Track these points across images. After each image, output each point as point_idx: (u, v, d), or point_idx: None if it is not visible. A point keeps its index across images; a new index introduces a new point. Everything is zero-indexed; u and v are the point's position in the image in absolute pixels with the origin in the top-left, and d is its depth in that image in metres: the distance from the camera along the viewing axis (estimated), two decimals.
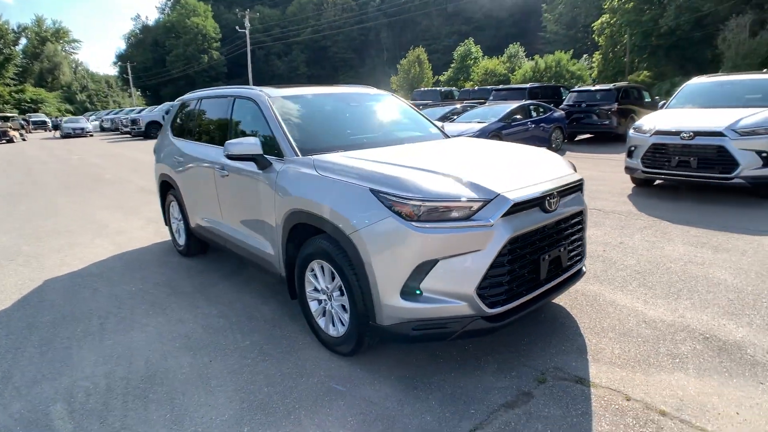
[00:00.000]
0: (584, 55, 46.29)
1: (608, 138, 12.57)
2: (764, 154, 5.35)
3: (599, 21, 44.75)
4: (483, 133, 9.38)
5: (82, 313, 3.56)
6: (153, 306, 3.64)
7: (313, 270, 2.82)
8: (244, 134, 3.60)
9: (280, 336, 3.06)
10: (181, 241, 4.82)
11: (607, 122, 12.12)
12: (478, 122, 10.33)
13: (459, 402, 2.31)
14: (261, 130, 3.41)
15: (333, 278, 2.68)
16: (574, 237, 2.79)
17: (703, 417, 2.12)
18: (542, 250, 2.52)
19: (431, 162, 2.71)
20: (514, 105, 10.83)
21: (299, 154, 2.99)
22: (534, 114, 11.21)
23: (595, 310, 3.18)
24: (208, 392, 2.49)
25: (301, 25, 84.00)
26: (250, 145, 3.02)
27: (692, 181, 5.95)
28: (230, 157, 3.12)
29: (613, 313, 3.14)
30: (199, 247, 4.73)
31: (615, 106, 12.08)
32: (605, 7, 44.19)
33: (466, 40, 50.52)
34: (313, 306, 2.91)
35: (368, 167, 2.57)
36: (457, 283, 2.26)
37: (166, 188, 4.92)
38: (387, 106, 4.07)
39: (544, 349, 2.74)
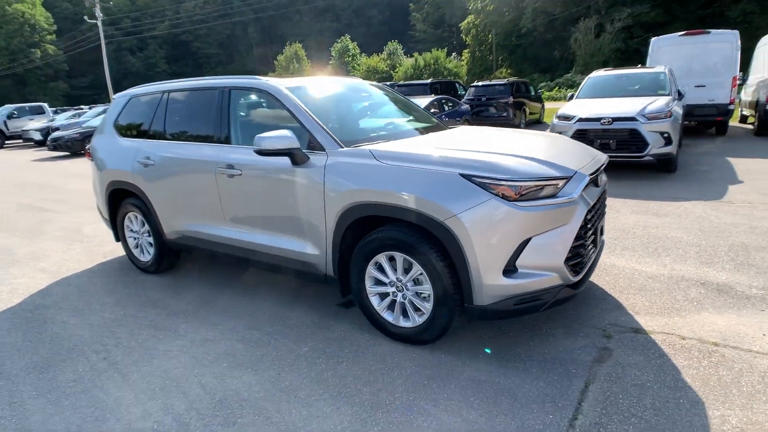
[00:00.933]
0: (453, 53, 50.32)
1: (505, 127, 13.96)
2: (665, 135, 6.55)
3: (466, 21, 48.97)
4: None
5: (68, 351, 3.01)
6: (158, 330, 3.22)
7: (377, 264, 2.80)
8: (254, 129, 3.36)
9: (335, 338, 2.97)
10: (146, 256, 4.27)
11: (504, 114, 13.46)
12: None
13: (556, 365, 2.53)
14: (279, 122, 3.24)
15: (406, 269, 2.70)
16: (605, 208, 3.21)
17: (744, 342, 2.64)
18: (596, 220, 2.87)
19: (489, 146, 2.88)
20: (429, 99, 11.46)
21: (342, 145, 2.93)
22: (446, 108, 11.98)
23: (606, 273, 3.67)
24: (305, 404, 2.35)
25: (157, 18, 76.90)
26: (287, 138, 2.86)
27: (612, 160, 7.01)
28: (262, 152, 2.92)
29: (620, 273, 3.66)
30: (173, 260, 4.26)
31: (511, 99, 13.48)
32: (470, 8, 48.48)
33: (342, 37, 51.29)
34: (375, 301, 2.88)
35: (444, 153, 2.65)
36: (549, 257, 2.47)
37: (120, 198, 4.31)
38: (387, 97, 4.12)
39: (589, 311, 3.10)
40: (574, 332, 2.86)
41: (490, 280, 2.43)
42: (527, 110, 14.27)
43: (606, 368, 2.48)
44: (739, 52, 9.90)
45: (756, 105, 10.04)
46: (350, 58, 48.56)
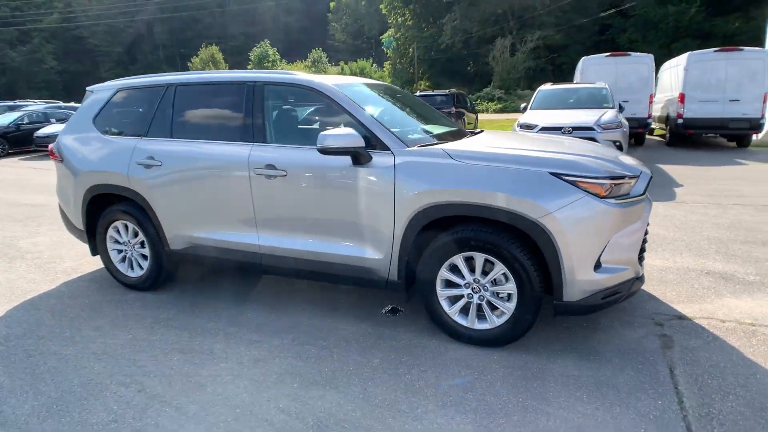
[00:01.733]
0: (374, 65, 51.22)
1: None
2: (617, 143, 7.20)
3: (387, 34, 50.14)
4: None
5: (83, 387, 2.52)
6: (188, 353, 2.83)
7: (451, 266, 2.72)
8: (294, 127, 3.13)
9: (403, 347, 2.82)
10: (137, 271, 3.76)
11: None
12: None
13: (632, 354, 2.64)
14: (324, 120, 3.05)
15: (485, 270, 2.66)
16: None
17: None
18: None
19: (555, 148, 2.93)
20: None
21: (408, 145, 2.82)
22: None
23: None
24: (415, 418, 2.19)
25: (43, 9, 69.01)
26: (352, 137, 2.70)
27: None
28: (326, 151, 2.73)
29: None
30: (170, 274, 3.79)
31: (453, 109, 14.00)
32: (390, 22, 49.76)
33: (262, 42, 49.95)
34: (446, 305, 2.80)
35: (524, 153, 2.67)
36: (627, 252, 2.58)
37: (102, 204, 3.76)
38: (415, 100, 4.07)
39: (630, 303, 3.28)
40: (628, 323, 3.00)
41: (582, 276, 2.47)
42: (465, 120, 14.91)
43: (676, 353, 2.64)
44: (654, 73, 11.24)
45: (666, 119, 11.45)
46: (270, 64, 47.39)
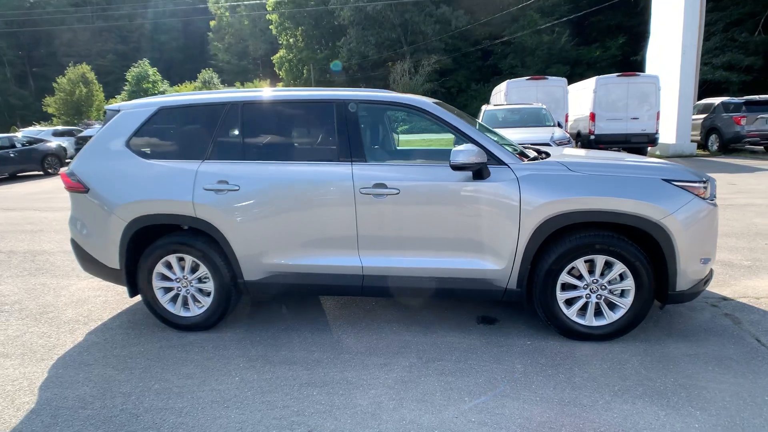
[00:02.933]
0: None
1: None
2: None
3: (278, 55, 49.80)
4: None
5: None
6: (322, 386, 2.67)
7: (571, 269, 2.98)
8: (390, 146, 3.16)
9: (530, 351, 2.98)
10: (194, 310, 3.39)
11: None
12: None
13: (718, 332, 3.12)
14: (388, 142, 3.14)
15: (603, 270, 2.96)
16: None
17: None
18: None
19: (636, 159, 3.36)
20: None
21: (522, 159, 3.06)
22: None
23: None
24: (606, 408, 2.38)
25: None
26: (480, 153, 2.86)
27: None
28: (457, 167, 2.84)
29: None
30: (232, 306, 3.49)
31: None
32: (281, 43, 49.59)
33: (140, 61, 46.31)
34: (564, 306, 3.04)
35: (631, 163, 3.05)
36: (713, 246, 3.07)
37: (145, 238, 3.36)
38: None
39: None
40: (692, 308, 3.52)
41: (692, 268, 2.89)
42: None
43: (750, 327, 3.19)
44: (567, 94, 12.91)
45: (578, 135, 13.18)
46: (151, 85, 44.02)
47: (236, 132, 3.30)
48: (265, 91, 3.41)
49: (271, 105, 3.34)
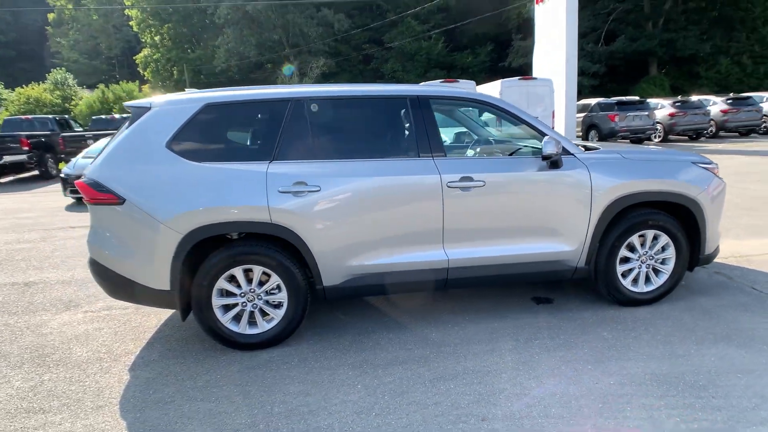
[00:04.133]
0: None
1: None
2: None
3: (142, 54, 45.27)
4: None
5: None
6: (449, 380, 2.69)
7: (628, 245, 3.39)
8: (463, 140, 3.27)
9: (603, 320, 3.33)
10: (260, 326, 3.11)
11: None
12: None
13: (723, 289, 3.81)
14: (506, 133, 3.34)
15: (653, 244, 3.43)
16: None
17: None
18: None
19: (657, 148, 3.90)
20: None
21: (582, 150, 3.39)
22: None
23: None
24: (720, 357, 2.80)
25: None
26: (557, 144, 3.12)
27: None
28: (546, 157, 3.09)
29: None
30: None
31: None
32: (144, 41, 45.20)
33: None
34: (621, 278, 3.45)
35: (665, 151, 3.55)
36: (722, 215, 3.73)
37: (202, 250, 3.01)
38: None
39: None
40: (706, 273, 4.17)
41: (714, 234, 3.50)
42: None
43: (741, 279, 3.94)
44: (554, 93, 13.55)
45: None
46: None
47: (306, 130, 3.10)
48: (330, 87, 3.26)
49: (340, 101, 3.21)
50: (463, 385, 2.62)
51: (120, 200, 2.88)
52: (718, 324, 3.19)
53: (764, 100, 17.61)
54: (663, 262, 3.48)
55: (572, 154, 3.29)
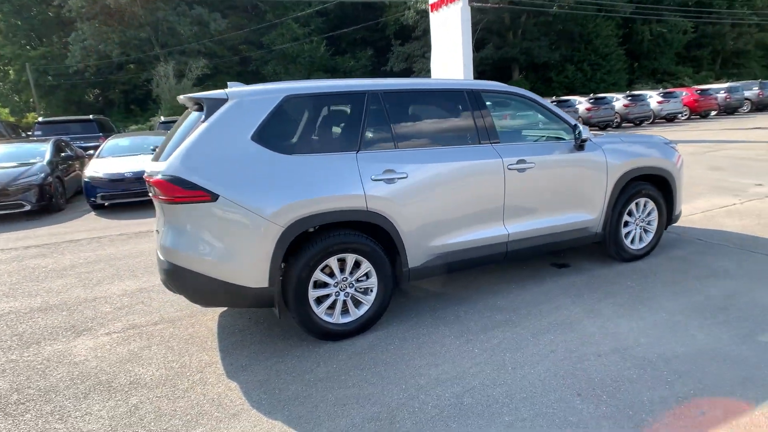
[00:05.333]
0: None
1: None
2: None
3: None
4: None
5: None
6: (547, 333, 3.09)
7: (629, 211, 4.13)
8: (489, 129, 3.66)
9: (614, 277, 4.00)
10: (357, 312, 3.18)
11: None
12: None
13: (682, 242, 4.80)
14: (528, 121, 3.84)
15: (644, 209, 4.22)
16: None
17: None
18: None
19: (633, 133, 4.71)
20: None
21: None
22: None
23: None
24: (726, 290, 3.59)
25: None
26: (587, 130, 3.73)
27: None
28: (583, 141, 3.67)
29: None
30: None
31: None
32: None
33: None
34: (624, 239, 4.19)
35: (636, 134, 4.34)
36: None
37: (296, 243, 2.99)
38: None
39: None
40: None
41: (680, 200, 4.43)
42: None
43: (687, 234, 4.99)
44: None
45: None
46: None
47: (384, 120, 3.22)
48: (398, 80, 3.41)
49: (409, 94, 3.38)
50: (561, 335, 3.03)
51: (213, 197, 2.72)
52: (697, 265, 4.08)
53: (615, 99, 21.33)
54: (649, 223, 4.30)
55: (588, 139, 3.91)
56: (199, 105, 3.07)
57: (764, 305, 3.28)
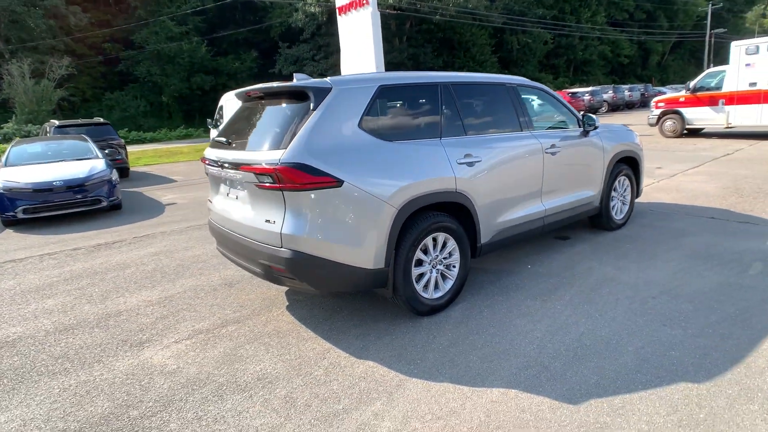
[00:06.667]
0: None
1: None
2: None
3: None
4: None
5: None
6: (592, 291, 3.70)
7: (615, 187, 5.00)
8: (532, 117, 4.23)
9: (612, 242, 4.82)
10: (439, 290, 3.44)
11: (119, 157, 12.00)
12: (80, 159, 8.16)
13: (664, 221, 5.87)
14: (544, 112, 4.48)
15: (623, 186, 5.13)
16: None
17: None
18: None
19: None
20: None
21: None
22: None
23: None
24: (700, 241, 4.55)
25: None
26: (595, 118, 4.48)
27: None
28: (594, 128, 4.37)
29: None
30: None
31: (121, 141, 12.19)
32: None
33: None
34: (612, 210, 5.05)
35: (613, 124, 5.23)
36: None
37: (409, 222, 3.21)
38: None
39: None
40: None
41: (643, 177, 5.44)
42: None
43: (655, 209, 6.10)
44: None
45: None
46: None
47: (455, 110, 3.54)
48: (460, 74, 3.78)
49: (470, 86, 3.74)
50: (613, 288, 3.65)
51: (338, 182, 2.81)
52: (665, 229, 5.09)
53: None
54: (626, 197, 5.23)
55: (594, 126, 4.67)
56: (289, 94, 3.11)
57: (737, 251, 4.29)
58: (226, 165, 3.18)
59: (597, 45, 44.66)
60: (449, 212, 3.41)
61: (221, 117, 15.79)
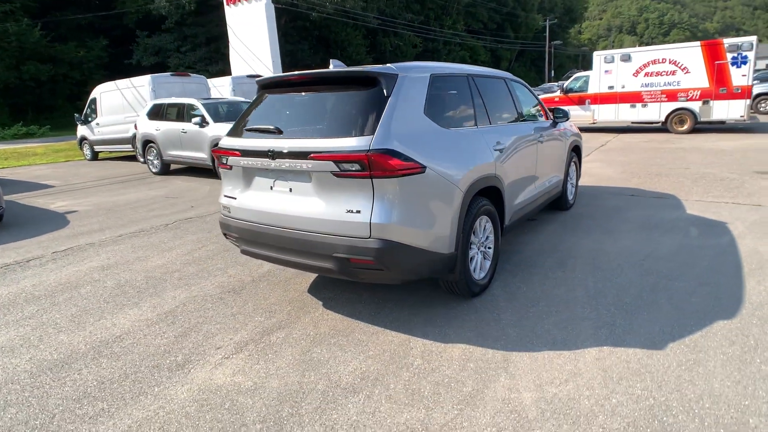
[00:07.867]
0: None
1: None
2: None
3: None
4: None
5: None
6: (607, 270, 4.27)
7: (568, 171, 5.69)
8: (522, 109, 4.65)
9: (576, 219, 5.51)
10: (482, 272, 3.64)
11: None
12: None
13: (614, 201, 6.74)
14: (528, 105, 4.95)
15: (574, 169, 5.86)
16: None
17: None
18: None
19: None
20: None
21: None
22: None
23: None
24: (662, 213, 5.41)
25: None
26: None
27: None
28: (567, 119, 4.93)
29: None
30: None
31: None
32: None
33: None
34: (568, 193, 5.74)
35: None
36: None
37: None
38: None
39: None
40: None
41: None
42: None
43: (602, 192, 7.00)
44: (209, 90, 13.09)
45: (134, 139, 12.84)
46: None
47: (479, 100, 3.73)
48: (477, 67, 3.94)
49: (487, 78, 3.96)
50: (606, 257, 4.21)
51: (422, 168, 2.83)
52: (605, 207, 5.94)
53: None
54: (573, 181, 5.98)
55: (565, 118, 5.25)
56: (354, 80, 3.02)
57: (670, 219, 5.23)
58: (283, 154, 2.93)
59: (458, 50, 48.77)
60: (488, 197, 3.61)
61: (93, 111, 13.84)
